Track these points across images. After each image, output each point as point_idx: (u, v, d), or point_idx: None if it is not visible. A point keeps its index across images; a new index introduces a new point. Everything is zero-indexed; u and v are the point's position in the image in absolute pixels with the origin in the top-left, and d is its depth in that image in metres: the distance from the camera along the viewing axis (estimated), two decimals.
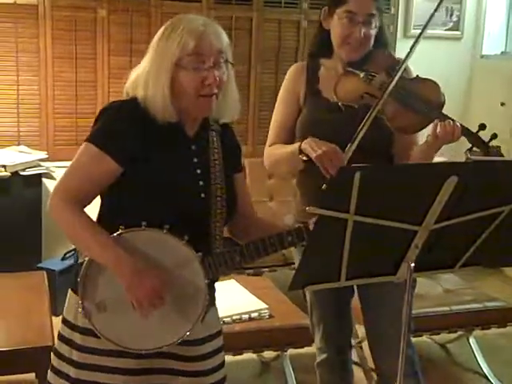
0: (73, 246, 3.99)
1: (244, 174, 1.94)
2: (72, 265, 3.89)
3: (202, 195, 1.72)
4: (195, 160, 1.75)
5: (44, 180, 4.06)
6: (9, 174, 3.78)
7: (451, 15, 5.10)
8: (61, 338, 1.77)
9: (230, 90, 1.76)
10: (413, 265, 1.62)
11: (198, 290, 1.67)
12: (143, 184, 1.66)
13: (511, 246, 1.72)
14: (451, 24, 5.13)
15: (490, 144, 1.97)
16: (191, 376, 1.76)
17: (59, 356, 1.76)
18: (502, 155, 1.97)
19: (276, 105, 2.34)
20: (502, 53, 5.17)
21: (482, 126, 1.98)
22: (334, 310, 2.39)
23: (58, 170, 4.08)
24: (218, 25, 1.73)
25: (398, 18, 5.00)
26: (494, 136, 1.95)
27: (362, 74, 2.13)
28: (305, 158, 2.05)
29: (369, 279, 1.67)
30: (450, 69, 5.15)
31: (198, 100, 1.68)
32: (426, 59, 5.08)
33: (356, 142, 1.99)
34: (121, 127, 1.66)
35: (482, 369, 3.39)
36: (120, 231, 1.63)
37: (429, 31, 5.02)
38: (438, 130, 1.98)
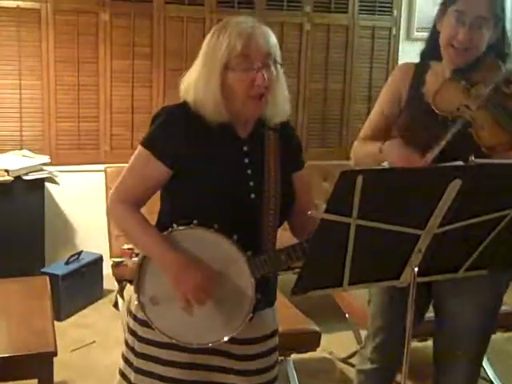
0: (77, 250, 4.04)
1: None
2: (76, 269, 3.89)
3: (252, 195, 1.75)
4: (246, 161, 1.77)
5: (47, 184, 4.06)
6: (12, 178, 3.77)
7: None
8: (128, 329, 1.84)
9: (279, 89, 1.77)
10: (416, 269, 1.61)
11: (244, 289, 1.70)
12: (192, 185, 1.71)
13: None
14: None
15: None
16: (243, 375, 1.79)
17: (127, 345, 1.85)
18: None
19: (377, 100, 2.27)
20: None
21: None
22: (403, 326, 1.90)
23: (61, 174, 4.09)
24: (267, 27, 1.75)
25: (400, 20, 4.98)
26: None
27: (462, 83, 1.98)
28: (385, 164, 2.03)
29: (372, 284, 1.65)
30: None
31: (247, 101, 1.70)
32: None
33: (436, 151, 1.91)
34: (169, 130, 1.72)
35: (487, 374, 3.36)
36: (170, 229, 1.70)
37: None
38: None
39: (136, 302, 1.77)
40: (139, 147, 1.75)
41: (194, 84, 1.72)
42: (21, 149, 4.16)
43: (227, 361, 1.78)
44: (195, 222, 1.69)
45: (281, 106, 1.79)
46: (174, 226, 1.70)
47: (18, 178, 3.81)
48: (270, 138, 1.81)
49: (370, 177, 1.38)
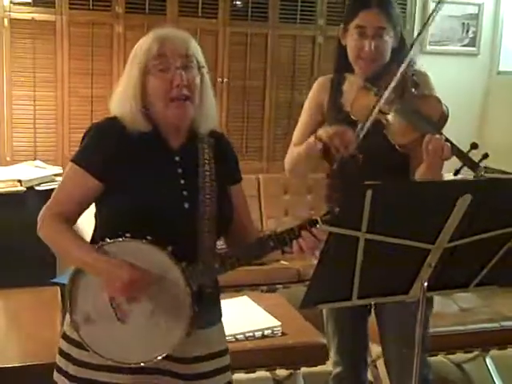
0: None
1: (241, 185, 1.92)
2: None
3: (186, 205, 1.72)
4: (179, 171, 1.75)
5: None
6: (24, 188, 3.79)
7: (467, 31, 5.08)
8: (60, 351, 1.78)
9: (205, 94, 1.76)
10: (426, 284, 1.60)
11: (181, 301, 1.64)
12: (123, 197, 1.67)
13: None
14: (467, 40, 5.11)
15: (481, 164, 1.90)
16: None
17: (59, 371, 1.78)
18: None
19: (301, 114, 2.40)
20: None
21: (474, 146, 1.94)
22: (350, 323, 2.37)
23: None
24: (187, 33, 1.76)
25: (413, 34, 4.98)
26: (485, 156, 1.90)
27: (374, 90, 2.14)
28: (319, 146, 2.09)
29: (382, 298, 1.64)
30: (466, 85, 5.13)
31: (170, 105, 1.69)
32: (442, 75, 5.06)
33: (364, 130, 2.05)
34: (98, 143, 1.71)
35: None
36: (102, 242, 1.65)
37: (445, 47, 5.03)
38: (428, 145, 1.97)
39: (69, 322, 1.69)
40: (69, 163, 1.73)
41: (117, 96, 1.73)
42: (34, 159, 4.19)
43: (172, 380, 1.71)
44: (128, 234, 1.64)
45: (209, 111, 1.77)
46: (106, 239, 1.65)
47: (30, 189, 3.82)
48: (204, 148, 1.78)
49: (379, 191, 1.37)
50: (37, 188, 3.86)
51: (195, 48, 1.73)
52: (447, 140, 1.98)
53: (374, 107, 2.09)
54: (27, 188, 3.80)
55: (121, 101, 1.71)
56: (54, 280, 3.79)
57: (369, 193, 1.36)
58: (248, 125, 4.74)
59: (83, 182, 1.70)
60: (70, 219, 1.72)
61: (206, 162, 1.77)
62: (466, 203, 1.45)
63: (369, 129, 2.06)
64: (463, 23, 5.05)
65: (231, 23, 4.53)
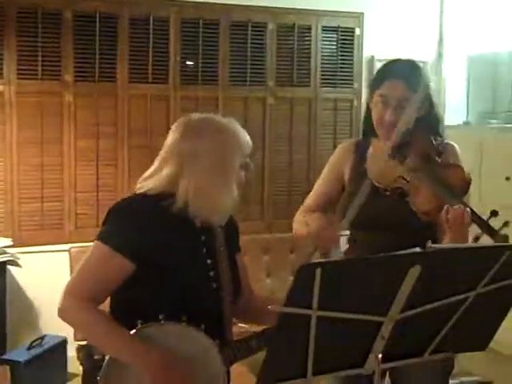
0: (40, 334, 3.92)
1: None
2: (39, 354, 3.77)
3: (214, 285, 1.76)
4: (204, 251, 1.77)
5: (9, 267, 3.97)
6: None
7: None
8: None
9: None
10: (380, 356, 1.59)
11: (216, 378, 1.68)
12: (156, 278, 1.67)
13: (479, 331, 1.69)
14: None
15: (501, 232, 1.92)
16: None
17: None
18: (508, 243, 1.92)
19: (321, 175, 2.40)
20: (464, 123, 5.28)
21: (494, 213, 1.96)
22: None
23: (24, 256, 4.01)
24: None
25: (361, 92, 5.08)
26: (506, 224, 1.92)
27: (398, 157, 2.14)
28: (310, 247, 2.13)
29: (336, 373, 1.62)
30: None
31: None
32: None
33: (351, 214, 2.06)
34: (130, 223, 1.69)
35: None
36: (139, 326, 1.63)
37: None
38: (447, 214, 1.96)
39: None
40: (98, 243, 1.69)
41: (207, 189, 1.71)
42: None
43: None
44: (162, 316, 1.63)
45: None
46: (140, 322, 1.63)
47: None
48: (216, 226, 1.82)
49: (328, 269, 1.37)
50: None
51: None
52: (466, 206, 1.97)
53: (400, 176, 2.10)
54: None
55: (218, 194, 1.73)
56: (4, 357, 3.65)
57: (318, 271, 1.36)
58: None
59: (115, 264, 1.66)
60: (98, 302, 1.68)
61: (220, 237, 1.81)
62: (416, 274, 1.46)
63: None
64: None
65: (182, 88, 4.56)
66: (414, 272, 1.45)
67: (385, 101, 2.18)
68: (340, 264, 1.46)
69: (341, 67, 5.00)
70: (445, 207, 1.97)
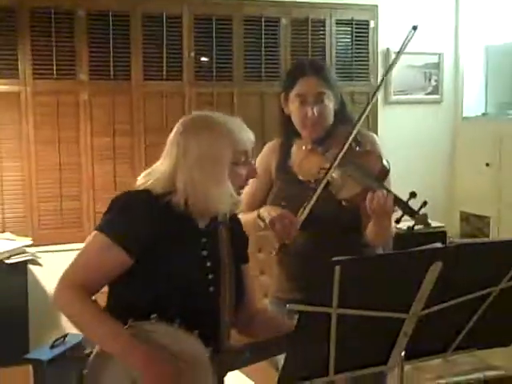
0: (62, 333, 3.94)
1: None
2: (62, 353, 3.78)
3: (211, 289, 1.73)
4: (204, 253, 1.75)
5: (30, 267, 4.00)
6: None
7: (429, 79, 5.18)
8: None
9: None
10: (403, 353, 1.57)
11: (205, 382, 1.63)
12: (152, 276, 1.66)
13: (503, 326, 1.67)
14: (430, 88, 5.20)
15: (421, 212, 1.99)
16: None
17: None
18: (427, 223, 2.01)
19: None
20: (483, 114, 5.22)
21: (413, 194, 2.03)
22: None
23: (44, 255, 4.03)
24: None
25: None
26: (424, 204, 1.98)
27: (319, 150, 2.21)
28: (262, 224, 2.15)
29: (359, 371, 1.60)
30: (433, 132, 5.20)
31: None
32: (408, 124, 5.15)
33: (307, 210, 2.11)
34: (132, 216, 1.67)
35: None
36: (130, 323, 1.60)
37: (409, 96, 5.11)
38: (371, 202, 2.02)
39: None
40: (96, 233, 1.67)
41: (199, 184, 1.70)
42: (3, 232, 4.11)
43: None
44: (154, 316, 1.61)
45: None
46: (131, 320, 1.60)
47: (0, 262, 3.74)
48: (223, 230, 1.80)
49: (347, 266, 1.35)
50: (6, 261, 3.78)
51: None
52: (388, 190, 2.04)
53: (322, 168, 2.15)
54: None
55: (213, 190, 1.71)
56: (27, 356, 3.67)
57: (337, 269, 1.34)
58: None
59: (113, 256, 1.64)
60: (92, 292, 1.65)
61: (225, 243, 1.79)
62: (437, 271, 1.44)
63: (318, 195, 2.12)
64: (425, 72, 5.14)
65: (196, 84, 4.55)
66: (435, 268, 1.43)
67: (303, 99, 2.20)
68: (359, 261, 1.43)
69: (356, 60, 4.96)
70: (368, 195, 2.02)
